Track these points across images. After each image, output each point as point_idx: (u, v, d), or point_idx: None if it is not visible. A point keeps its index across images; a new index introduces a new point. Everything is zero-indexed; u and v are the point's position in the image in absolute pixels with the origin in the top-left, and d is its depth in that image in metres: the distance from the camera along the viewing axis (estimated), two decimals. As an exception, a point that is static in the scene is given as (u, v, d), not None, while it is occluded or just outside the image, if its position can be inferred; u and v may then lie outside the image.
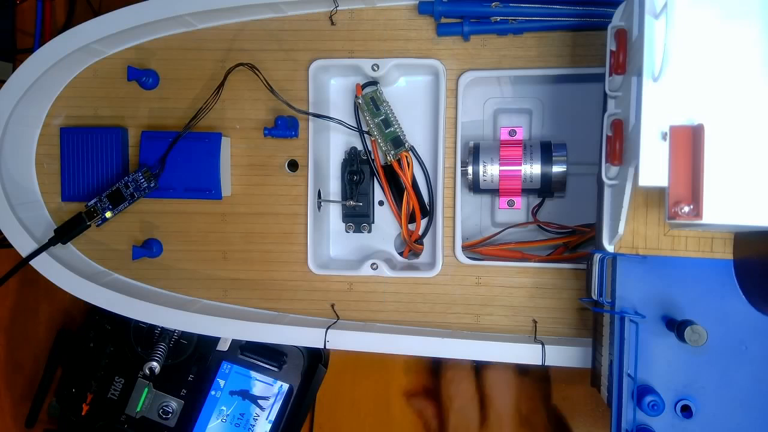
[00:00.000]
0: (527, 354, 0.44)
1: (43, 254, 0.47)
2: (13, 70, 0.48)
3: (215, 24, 0.48)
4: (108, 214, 0.47)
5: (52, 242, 0.47)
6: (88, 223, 0.47)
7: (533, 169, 0.46)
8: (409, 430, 0.57)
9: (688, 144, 0.29)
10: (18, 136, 0.48)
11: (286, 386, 0.54)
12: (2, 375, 0.61)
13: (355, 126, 0.48)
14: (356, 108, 0.48)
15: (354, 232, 0.50)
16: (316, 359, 0.55)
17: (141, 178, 0.46)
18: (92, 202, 0.47)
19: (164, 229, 0.49)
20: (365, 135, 0.48)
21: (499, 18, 0.44)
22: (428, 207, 0.49)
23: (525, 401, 0.54)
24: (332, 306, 0.48)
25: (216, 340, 0.54)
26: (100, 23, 0.46)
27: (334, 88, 0.50)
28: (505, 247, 0.49)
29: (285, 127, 0.47)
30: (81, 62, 0.48)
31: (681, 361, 0.36)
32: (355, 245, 0.51)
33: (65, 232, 0.47)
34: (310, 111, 0.47)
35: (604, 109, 0.38)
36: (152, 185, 0.46)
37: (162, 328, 0.54)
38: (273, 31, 0.47)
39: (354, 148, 0.49)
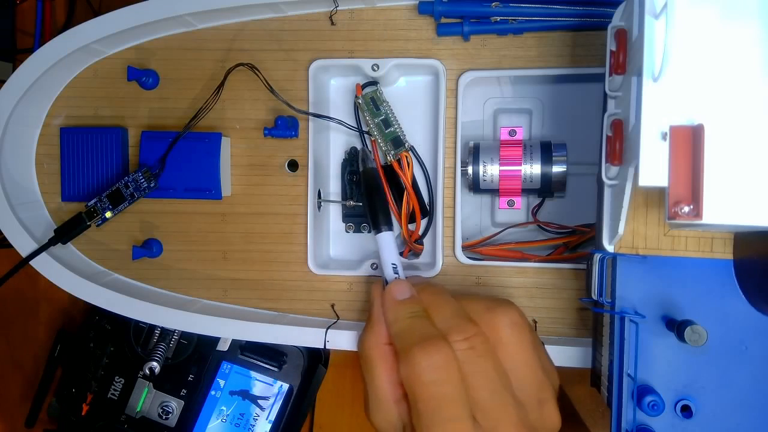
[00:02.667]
0: (527, 354, 0.44)
1: (43, 254, 0.47)
2: (13, 70, 0.48)
3: (215, 24, 0.48)
4: (108, 214, 0.47)
5: (52, 242, 0.47)
6: (88, 223, 0.47)
7: (533, 169, 0.46)
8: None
9: (688, 144, 0.29)
10: (18, 136, 0.48)
11: (286, 386, 0.54)
12: (2, 375, 0.61)
13: (355, 126, 0.48)
14: (356, 108, 0.48)
15: (354, 232, 0.50)
16: (316, 359, 0.55)
17: (141, 178, 0.46)
18: (92, 202, 0.47)
19: (164, 229, 0.49)
20: (365, 135, 0.48)
21: (499, 18, 0.44)
22: (428, 207, 0.49)
23: None
24: (332, 306, 0.48)
25: (216, 340, 0.54)
26: (100, 23, 0.46)
27: (334, 88, 0.50)
28: (505, 247, 0.49)
29: (285, 127, 0.47)
30: (81, 62, 0.48)
31: (681, 361, 0.36)
32: (355, 245, 0.51)
33: (65, 232, 0.47)
34: (310, 111, 0.47)
35: (604, 109, 0.38)
36: (152, 185, 0.46)
37: (162, 328, 0.54)
38: (273, 31, 0.47)
39: (354, 148, 0.49)
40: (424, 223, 0.49)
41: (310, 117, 0.47)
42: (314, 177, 0.48)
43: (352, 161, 0.49)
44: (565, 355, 0.44)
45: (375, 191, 0.43)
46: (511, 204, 0.50)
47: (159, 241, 0.49)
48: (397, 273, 0.40)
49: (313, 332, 0.46)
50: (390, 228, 0.41)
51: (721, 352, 0.35)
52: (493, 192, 0.48)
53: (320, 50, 0.47)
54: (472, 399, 0.32)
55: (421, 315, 0.35)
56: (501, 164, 0.46)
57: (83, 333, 0.55)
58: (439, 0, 0.45)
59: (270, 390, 0.54)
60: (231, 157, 0.48)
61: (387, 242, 0.41)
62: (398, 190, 0.49)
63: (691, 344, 0.34)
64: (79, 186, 0.48)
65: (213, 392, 0.54)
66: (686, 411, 0.35)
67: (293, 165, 0.48)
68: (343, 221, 0.50)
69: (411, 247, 0.49)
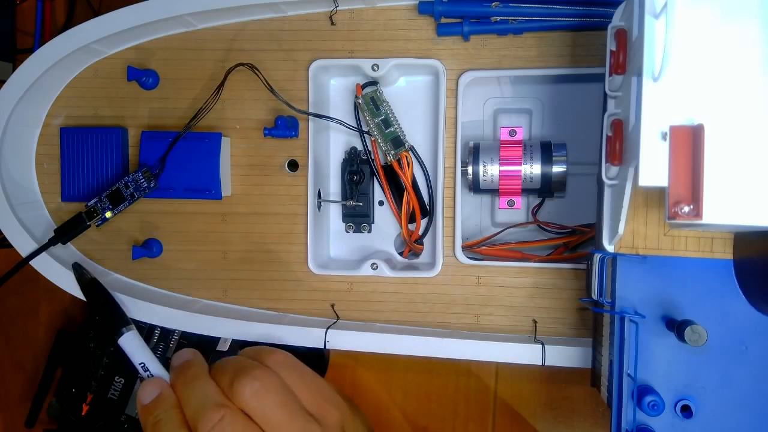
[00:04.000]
0: (527, 354, 0.44)
1: (43, 254, 0.47)
2: (13, 70, 0.48)
3: (215, 24, 0.48)
4: (108, 214, 0.47)
5: (52, 242, 0.47)
6: (88, 223, 0.47)
7: (533, 169, 0.46)
8: (409, 430, 0.57)
9: (688, 144, 0.29)
10: (18, 136, 0.48)
11: (286, 386, 0.54)
12: (2, 375, 0.61)
13: (355, 126, 0.48)
14: (356, 108, 0.48)
15: (354, 232, 0.50)
16: (316, 359, 0.55)
17: (141, 178, 0.46)
18: (92, 202, 0.47)
19: (164, 229, 0.49)
20: (365, 135, 0.48)
21: (499, 18, 0.44)
22: (428, 207, 0.49)
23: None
24: (332, 306, 0.48)
25: (216, 340, 0.54)
26: (100, 23, 0.46)
27: (334, 88, 0.50)
28: (505, 247, 0.49)
29: (285, 127, 0.47)
30: (81, 62, 0.48)
31: (681, 361, 0.36)
32: (355, 245, 0.51)
33: (65, 232, 0.47)
34: (310, 111, 0.47)
35: (604, 109, 0.38)
36: (152, 185, 0.46)
37: (162, 328, 0.54)
38: (273, 31, 0.47)
39: (354, 148, 0.49)
40: (424, 223, 0.49)
41: (310, 117, 0.47)
42: (314, 177, 0.48)
43: (352, 161, 0.49)
44: (565, 355, 0.44)
45: (96, 299, 0.39)
46: (511, 204, 0.50)
47: (159, 241, 0.49)
48: (148, 371, 0.36)
49: (313, 332, 0.46)
50: (129, 327, 0.37)
51: (721, 352, 0.35)
52: (493, 192, 0.48)
53: (320, 50, 0.47)
54: None
55: (165, 418, 0.33)
56: (501, 164, 0.46)
57: (83, 333, 0.55)
58: (439, 0, 0.45)
59: (270, 390, 0.54)
60: (231, 157, 0.48)
61: (130, 344, 0.37)
62: (398, 190, 0.49)
63: (691, 344, 0.34)
64: (79, 186, 0.48)
65: (213, 392, 0.54)
66: (686, 411, 0.35)
67: (293, 165, 0.48)
68: (343, 221, 0.50)
69: (411, 247, 0.49)
